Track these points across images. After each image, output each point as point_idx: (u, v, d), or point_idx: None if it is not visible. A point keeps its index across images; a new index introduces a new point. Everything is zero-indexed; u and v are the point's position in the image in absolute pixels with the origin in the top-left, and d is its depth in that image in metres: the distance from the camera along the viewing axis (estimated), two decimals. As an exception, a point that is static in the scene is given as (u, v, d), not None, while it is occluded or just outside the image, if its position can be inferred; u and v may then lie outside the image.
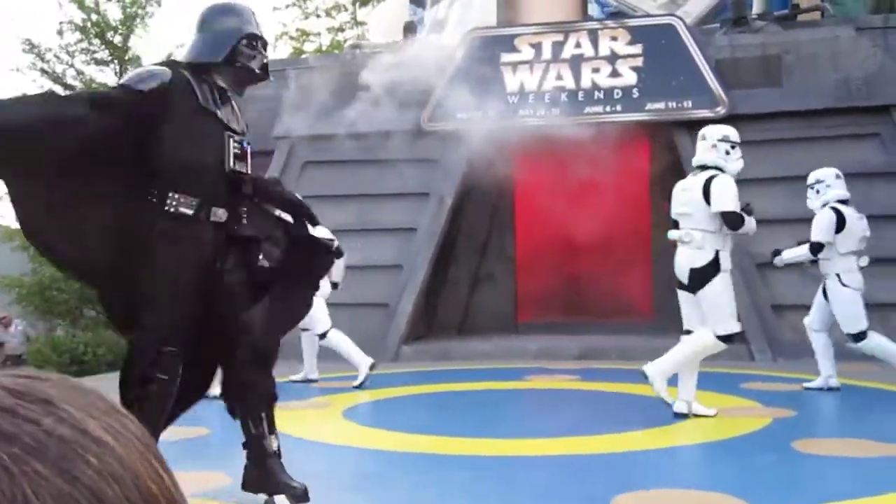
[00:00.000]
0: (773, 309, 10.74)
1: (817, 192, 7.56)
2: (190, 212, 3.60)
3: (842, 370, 8.56)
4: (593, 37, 12.01)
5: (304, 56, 22.17)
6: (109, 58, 12.77)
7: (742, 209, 6.12)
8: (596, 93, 11.84)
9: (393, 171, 11.81)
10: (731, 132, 6.48)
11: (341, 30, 23.36)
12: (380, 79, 12.51)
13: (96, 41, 12.68)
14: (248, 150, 3.83)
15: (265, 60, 3.83)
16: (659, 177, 11.38)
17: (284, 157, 12.74)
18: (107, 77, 12.81)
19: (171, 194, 3.56)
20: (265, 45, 3.89)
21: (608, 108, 11.78)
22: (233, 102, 3.89)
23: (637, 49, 11.78)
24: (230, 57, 3.76)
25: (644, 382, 7.01)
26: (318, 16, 23.67)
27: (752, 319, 10.64)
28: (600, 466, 4.87)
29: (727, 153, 6.32)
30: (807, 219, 9.46)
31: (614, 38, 11.91)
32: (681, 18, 12.20)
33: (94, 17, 12.67)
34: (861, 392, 7.69)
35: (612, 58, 11.86)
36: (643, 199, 12.16)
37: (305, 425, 6.24)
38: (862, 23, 12.43)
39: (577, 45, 12.01)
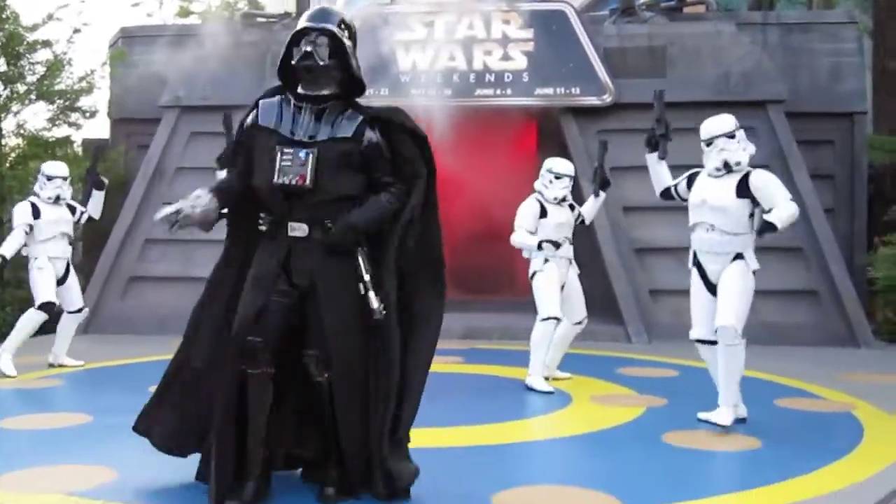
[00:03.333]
0: (651, 293, 11.15)
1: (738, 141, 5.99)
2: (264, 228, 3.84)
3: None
4: (486, 19, 12.13)
5: (193, 20, 21.63)
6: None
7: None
8: (487, 75, 11.98)
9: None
10: (554, 164, 7.54)
11: (232, -9, 22.80)
12: (271, 51, 12.36)
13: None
14: (310, 158, 3.73)
15: (307, 49, 3.73)
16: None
17: (171, 126, 12.49)
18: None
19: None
20: (322, 32, 3.78)
21: (498, 91, 11.94)
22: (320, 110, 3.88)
23: (528, 34, 11.96)
24: (284, 66, 3.88)
25: (522, 365, 7.31)
26: (207, -25, 23.03)
27: (630, 303, 11.05)
28: (480, 460, 5.03)
29: (549, 182, 7.44)
30: (682, 208, 9.85)
31: (507, 22, 12.05)
32: (571, 5, 12.42)
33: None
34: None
35: (504, 41, 12.01)
36: (530, 182, 12.37)
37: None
38: (742, 18, 12.92)
39: (470, 27, 12.11)
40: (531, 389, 7.16)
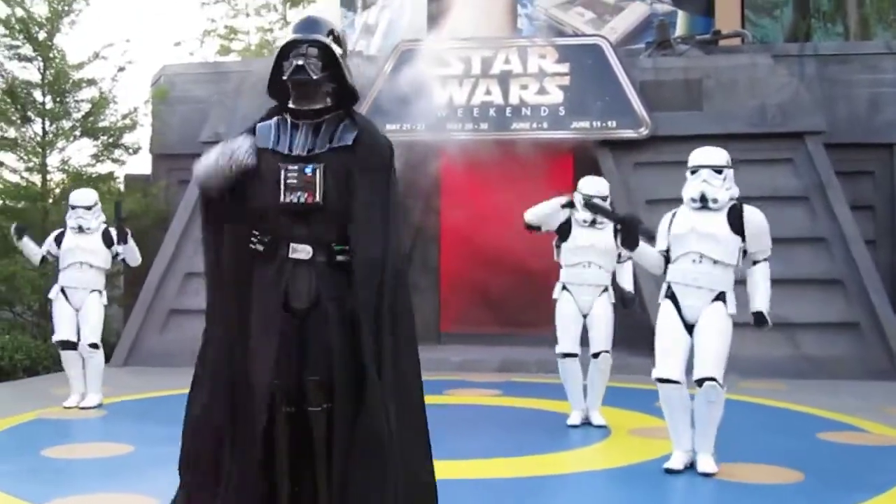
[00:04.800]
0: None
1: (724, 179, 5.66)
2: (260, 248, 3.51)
3: (752, 389, 8.92)
4: (522, 54, 12.22)
5: (235, 56, 22.02)
6: (34, 54, 12.52)
7: None
8: (523, 109, 12.05)
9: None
10: (583, 184, 7.16)
11: (270, 30, 23.17)
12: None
13: (20, 37, 12.42)
14: (317, 173, 3.45)
15: (298, 62, 3.45)
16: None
17: (211, 161, 12.65)
18: (30, 74, 12.58)
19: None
20: (312, 43, 3.47)
21: (535, 125, 11.99)
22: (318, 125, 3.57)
23: (564, 68, 12.02)
24: (274, 79, 3.57)
25: (561, 399, 7.28)
26: (247, 14, 23.44)
27: (668, 336, 10.96)
28: (519, 492, 5.02)
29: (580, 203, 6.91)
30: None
31: (542, 56, 12.13)
32: (607, 39, 12.48)
33: (18, 12, 12.43)
34: (771, 412, 8.01)
35: (540, 75, 12.08)
36: (566, 215, 12.43)
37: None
38: (779, 50, 12.90)
39: (507, 62, 12.20)
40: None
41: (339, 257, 3.45)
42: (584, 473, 5.65)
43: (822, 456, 6.04)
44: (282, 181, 3.42)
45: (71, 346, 7.97)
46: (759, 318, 5.51)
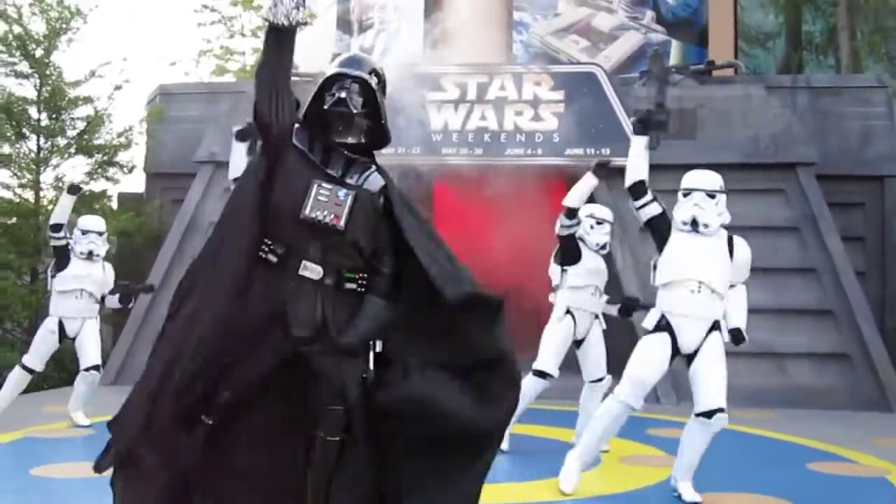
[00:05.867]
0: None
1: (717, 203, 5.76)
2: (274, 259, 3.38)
3: (742, 418, 8.92)
4: (517, 80, 12.30)
5: (230, 77, 22.08)
6: (30, 71, 12.56)
7: None
8: (518, 135, 12.11)
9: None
10: (595, 209, 7.20)
11: (267, 51, 23.25)
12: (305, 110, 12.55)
13: (17, 53, 12.46)
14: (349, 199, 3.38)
15: (341, 95, 3.45)
16: (575, 220, 11.66)
17: (206, 181, 12.67)
18: (26, 91, 12.62)
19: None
20: (355, 79, 3.48)
21: (529, 151, 12.06)
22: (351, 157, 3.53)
23: (559, 95, 12.10)
24: (312, 105, 3.54)
25: (549, 424, 7.27)
26: (243, 35, 23.53)
27: (659, 363, 10.97)
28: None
29: (591, 227, 7.10)
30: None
31: (538, 83, 12.20)
32: (602, 67, 12.57)
33: (16, 28, 12.47)
34: (760, 442, 8.03)
35: (535, 102, 12.15)
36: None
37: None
38: (772, 82, 13.02)
39: (502, 88, 12.27)
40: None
41: (349, 284, 3.38)
42: (574, 501, 5.64)
43: (810, 486, 6.05)
44: (311, 195, 3.36)
45: (30, 372, 7.85)
46: (737, 334, 5.67)
